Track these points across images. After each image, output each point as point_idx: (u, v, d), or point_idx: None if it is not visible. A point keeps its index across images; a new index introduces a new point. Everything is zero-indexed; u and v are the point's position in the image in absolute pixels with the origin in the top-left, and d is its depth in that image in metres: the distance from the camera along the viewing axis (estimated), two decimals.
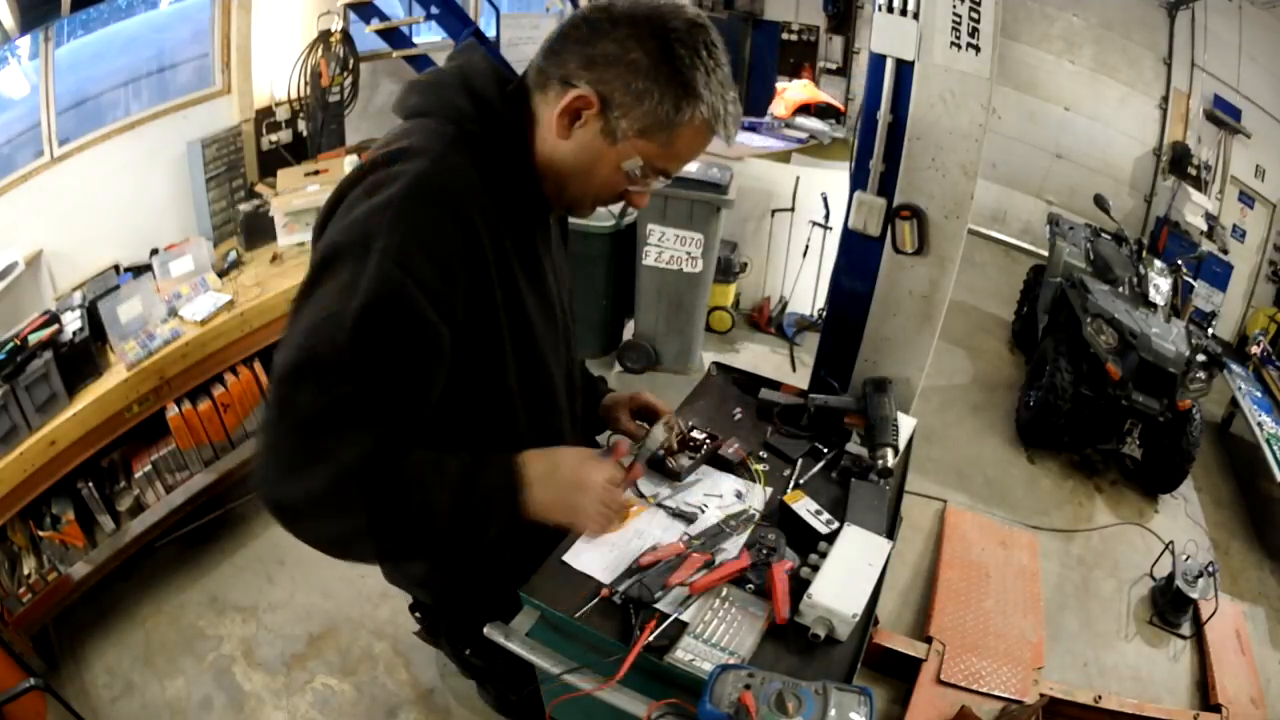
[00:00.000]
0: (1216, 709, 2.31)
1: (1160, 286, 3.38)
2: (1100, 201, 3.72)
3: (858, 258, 1.91)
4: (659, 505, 1.35)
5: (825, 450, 1.57)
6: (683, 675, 1.06)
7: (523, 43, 3.83)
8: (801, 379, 2.21)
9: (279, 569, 2.56)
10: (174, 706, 2.13)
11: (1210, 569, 2.65)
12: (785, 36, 6.36)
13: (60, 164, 2.45)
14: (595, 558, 1.24)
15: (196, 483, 2.48)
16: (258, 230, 2.89)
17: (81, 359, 2.18)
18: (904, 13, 1.64)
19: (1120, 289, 3.41)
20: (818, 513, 1.37)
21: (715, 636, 1.11)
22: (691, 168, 3.16)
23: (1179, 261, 3.58)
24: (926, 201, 1.78)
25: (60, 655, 2.22)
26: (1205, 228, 4.65)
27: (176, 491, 2.43)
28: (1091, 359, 3.22)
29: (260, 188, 2.98)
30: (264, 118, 3.06)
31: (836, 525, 1.34)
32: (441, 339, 0.93)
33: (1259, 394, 3.62)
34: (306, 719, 2.13)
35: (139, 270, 2.57)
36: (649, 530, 1.30)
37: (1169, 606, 2.66)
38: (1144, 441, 3.26)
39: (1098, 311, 3.23)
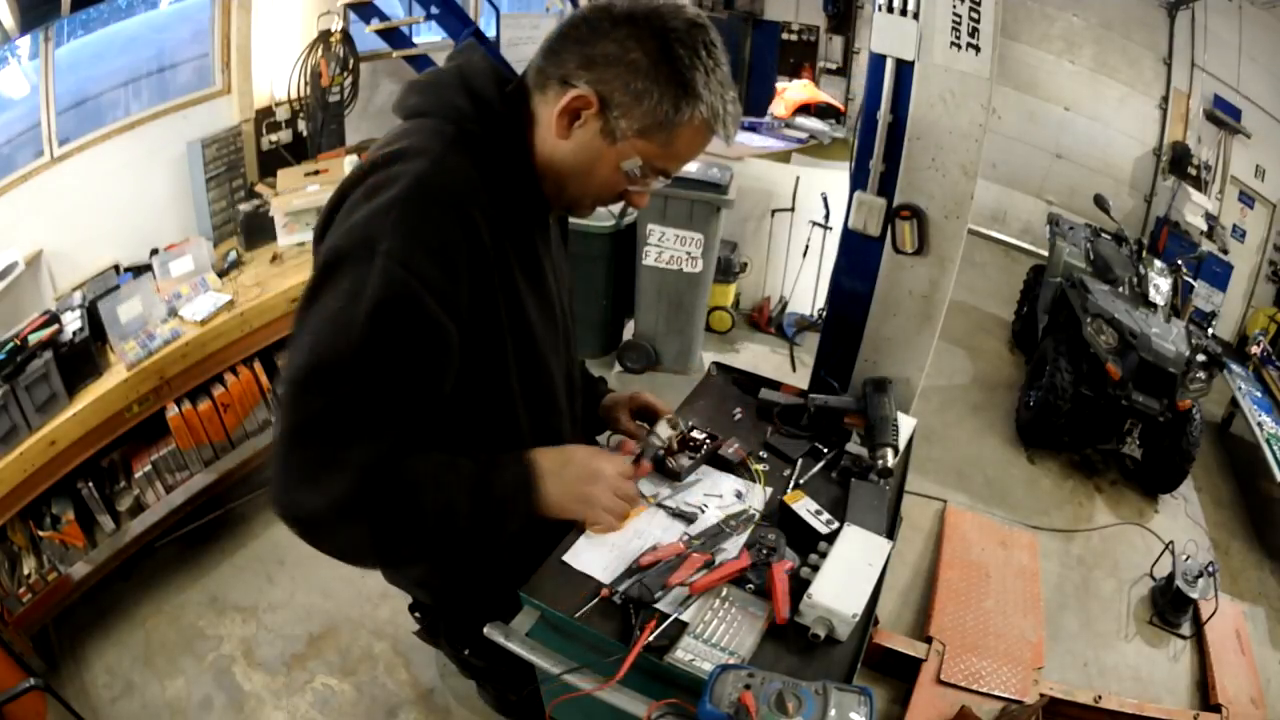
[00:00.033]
0: (1216, 709, 2.32)
1: (1160, 286, 3.38)
2: (1100, 201, 3.72)
3: (858, 258, 1.91)
4: (659, 505, 1.35)
5: (825, 450, 1.56)
6: (683, 675, 1.06)
7: (523, 43, 3.83)
8: (801, 379, 2.21)
9: (279, 569, 2.56)
10: (174, 706, 2.14)
11: (1210, 569, 2.65)
12: (785, 36, 6.37)
13: (60, 164, 2.45)
14: (595, 558, 1.23)
15: (196, 483, 2.48)
16: (258, 230, 2.88)
17: (81, 359, 2.18)
18: (904, 13, 1.64)
19: (1120, 289, 3.41)
20: (818, 513, 1.37)
21: (715, 636, 1.11)
22: (691, 168, 3.17)
23: (1179, 261, 3.59)
24: (926, 201, 1.77)
25: (60, 655, 2.22)
26: (1205, 228, 4.65)
27: (176, 491, 2.44)
28: (1091, 359, 3.22)
29: (260, 188, 2.98)
30: (264, 118, 3.06)
31: (836, 525, 1.34)
32: (450, 338, 0.94)
33: (1259, 394, 3.62)
34: (306, 719, 2.13)
35: (139, 270, 2.57)
36: (649, 530, 1.30)
37: (1169, 606, 2.66)
38: (1144, 441, 3.26)
39: (1098, 311, 3.23)
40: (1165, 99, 4.96)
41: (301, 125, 3.19)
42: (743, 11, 6.39)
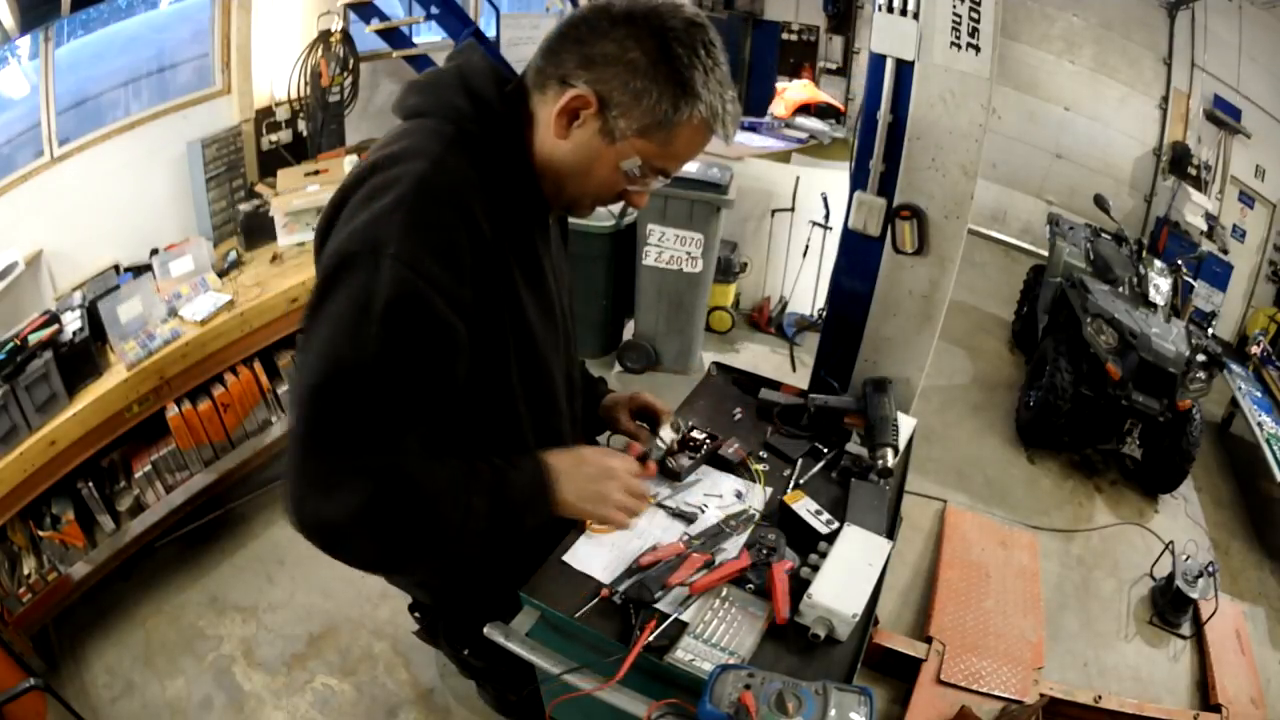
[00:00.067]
0: (1216, 709, 2.31)
1: (1160, 286, 3.38)
2: (1100, 201, 3.72)
3: (858, 258, 1.91)
4: (659, 505, 1.35)
5: (825, 450, 1.57)
6: (683, 675, 1.06)
7: (523, 43, 3.82)
8: (801, 379, 2.21)
9: (279, 569, 2.56)
10: (174, 706, 2.13)
11: (1210, 569, 2.65)
12: (785, 36, 6.37)
13: (60, 164, 2.45)
14: (595, 558, 1.24)
15: (196, 483, 2.48)
16: (258, 230, 2.88)
17: (81, 359, 2.18)
18: (904, 13, 1.64)
19: (1120, 289, 3.41)
20: (818, 513, 1.37)
21: (715, 636, 1.11)
22: (691, 168, 3.17)
23: (1179, 261, 3.58)
24: (926, 201, 1.78)
25: (60, 655, 2.22)
26: (1205, 228, 4.65)
27: (176, 491, 2.44)
28: (1091, 359, 3.22)
29: (260, 188, 2.98)
30: (264, 118, 3.06)
31: (836, 525, 1.34)
32: (460, 337, 0.94)
33: (1259, 394, 3.62)
34: (306, 719, 2.13)
35: (139, 270, 2.57)
36: (649, 530, 1.30)
37: (1169, 606, 2.66)
38: (1144, 441, 3.26)
39: (1098, 311, 3.23)
40: (1165, 99, 4.96)
41: (301, 125, 3.19)
42: (743, 11, 6.39)
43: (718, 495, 1.41)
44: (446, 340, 0.92)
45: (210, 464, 2.51)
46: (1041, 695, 2.21)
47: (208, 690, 2.18)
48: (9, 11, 2.15)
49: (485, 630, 1.16)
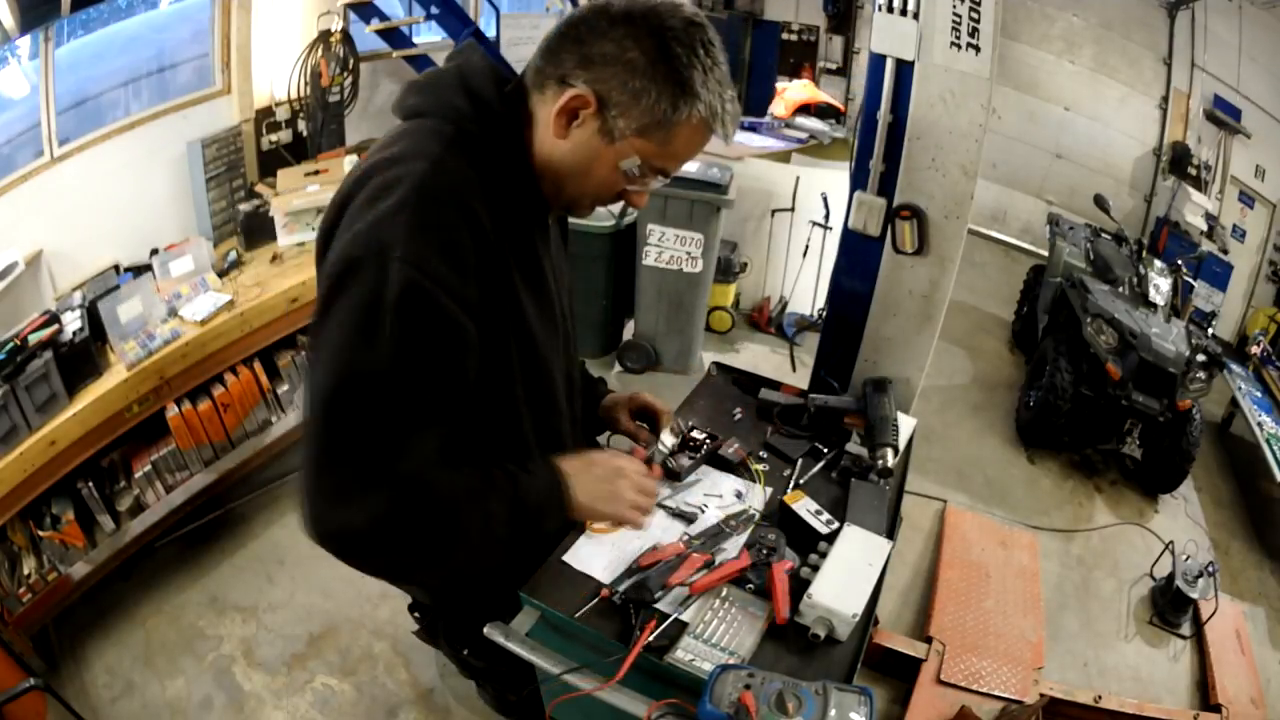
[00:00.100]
0: (1216, 709, 2.32)
1: (1160, 286, 3.38)
2: (1100, 201, 3.72)
3: (858, 258, 1.91)
4: (659, 505, 1.35)
5: (825, 450, 1.57)
6: (683, 675, 1.06)
7: (523, 43, 3.82)
8: (801, 379, 2.21)
9: (279, 569, 2.56)
10: (174, 706, 2.13)
11: (1210, 569, 2.65)
12: (785, 36, 6.37)
13: (60, 164, 2.44)
14: (595, 558, 1.24)
15: (196, 483, 2.48)
16: (258, 230, 2.88)
17: (81, 359, 2.18)
18: (904, 13, 1.64)
19: (1120, 289, 3.41)
20: (818, 513, 1.37)
21: (715, 636, 1.11)
22: (691, 167, 3.17)
23: (1179, 261, 3.58)
24: (926, 201, 1.78)
25: (60, 655, 2.22)
26: (1205, 228, 4.65)
27: (176, 491, 2.44)
28: (1091, 359, 3.22)
29: (260, 188, 2.98)
30: (264, 118, 3.06)
31: (836, 525, 1.34)
32: (470, 336, 0.94)
33: (1259, 394, 3.62)
34: (306, 719, 2.13)
35: (139, 270, 2.57)
36: (649, 530, 1.30)
37: (1169, 606, 2.66)
38: (1144, 441, 3.26)
39: (1098, 311, 3.23)
40: (1165, 99, 4.96)
41: (301, 125, 3.19)
42: (743, 11, 6.39)
43: (718, 495, 1.41)
44: (458, 340, 0.92)
45: (210, 464, 2.51)
46: (1041, 695, 2.21)
47: (208, 690, 2.18)
48: (9, 11, 2.15)
49: (485, 630, 1.16)
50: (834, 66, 6.28)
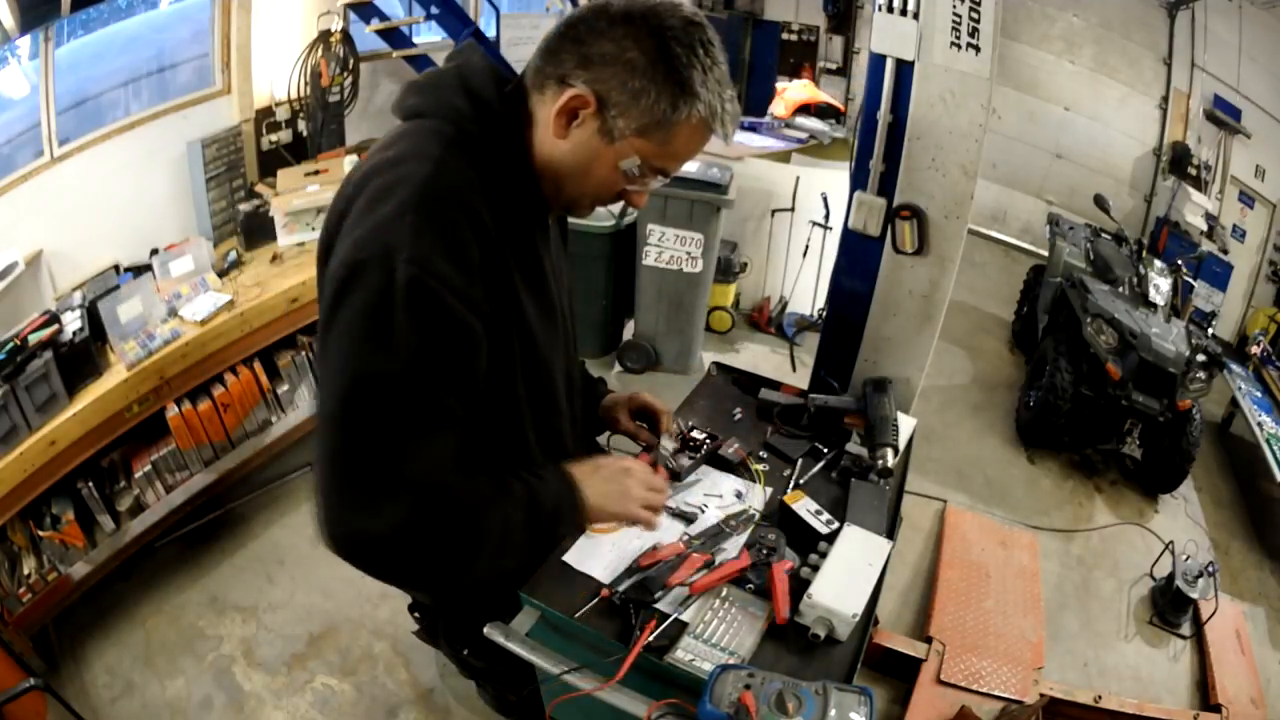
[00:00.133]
0: (1216, 709, 2.31)
1: (1160, 286, 3.38)
2: (1100, 201, 3.72)
3: (858, 258, 1.92)
4: None
5: (825, 450, 1.57)
6: (683, 675, 1.06)
7: (523, 43, 3.82)
8: (801, 379, 2.21)
9: (279, 569, 2.56)
10: (174, 706, 2.13)
11: (1210, 569, 2.65)
12: (785, 36, 6.37)
13: (60, 164, 2.44)
14: (595, 558, 1.24)
15: (196, 483, 2.48)
16: (258, 230, 2.89)
17: (81, 359, 2.18)
18: (904, 13, 1.64)
19: (1120, 289, 3.41)
20: (818, 513, 1.37)
21: (715, 636, 1.11)
22: (691, 167, 3.17)
23: (1179, 261, 3.58)
24: (926, 201, 1.78)
25: (60, 655, 2.21)
26: (1205, 228, 4.65)
27: (176, 491, 2.44)
28: (1091, 359, 3.22)
29: (260, 188, 2.98)
30: (264, 118, 3.06)
31: (836, 525, 1.34)
32: (478, 336, 0.93)
33: (1259, 394, 3.62)
34: (306, 719, 2.13)
35: (139, 270, 2.57)
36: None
37: (1169, 606, 2.66)
38: (1144, 441, 3.26)
39: (1098, 311, 3.23)
40: (1165, 99, 4.96)
41: (301, 125, 3.19)
42: (743, 11, 6.39)
43: (718, 495, 1.41)
44: (467, 339, 0.92)
45: (210, 464, 2.51)
46: (1041, 695, 2.21)
47: (208, 690, 2.18)
48: (9, 11, 2.15)
49: (485, 630, 1.16)
50: (834, 66, 6.28)
